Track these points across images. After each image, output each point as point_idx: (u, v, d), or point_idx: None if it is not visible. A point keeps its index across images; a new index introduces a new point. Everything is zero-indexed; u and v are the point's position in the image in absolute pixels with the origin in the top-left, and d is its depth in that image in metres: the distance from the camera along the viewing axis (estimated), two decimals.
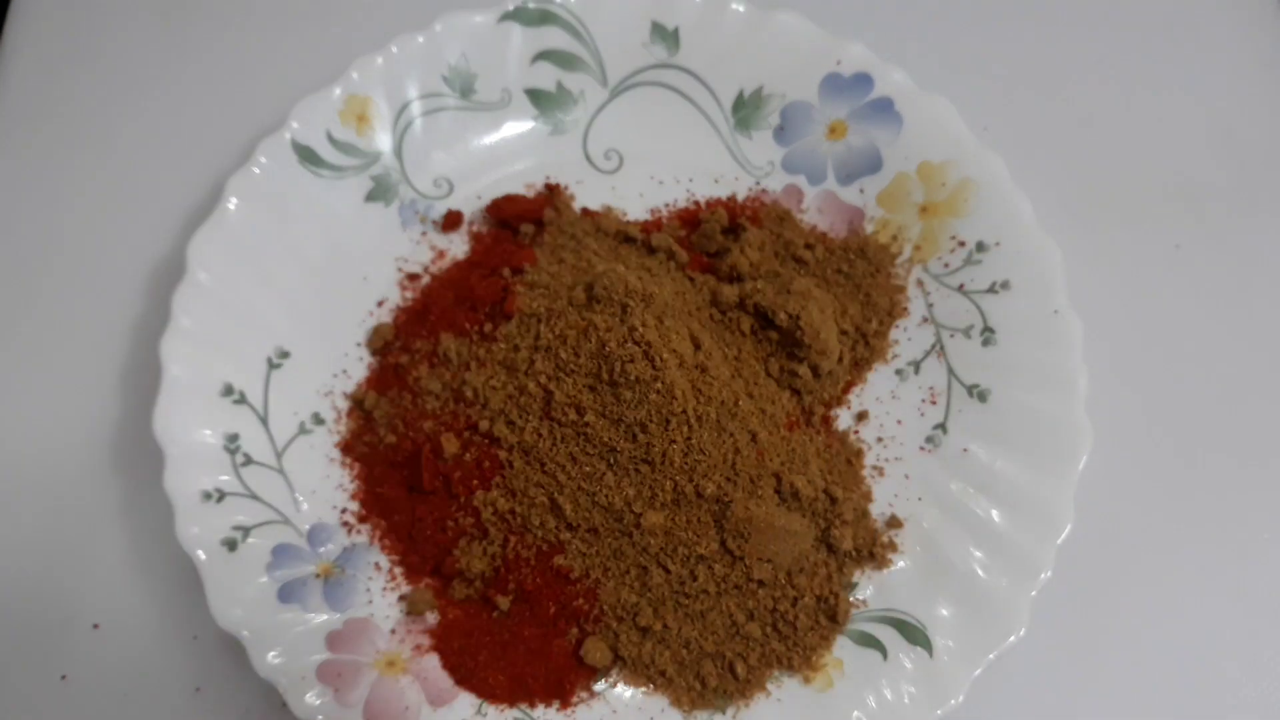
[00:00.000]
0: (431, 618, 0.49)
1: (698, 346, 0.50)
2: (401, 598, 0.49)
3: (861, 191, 0.57)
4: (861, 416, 0.53)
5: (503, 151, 0.59)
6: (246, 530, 0.48)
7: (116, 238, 0.59)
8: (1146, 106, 0.64)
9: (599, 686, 0.48)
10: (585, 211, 0.58)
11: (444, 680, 0.47)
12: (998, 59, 0.65)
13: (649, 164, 0.59)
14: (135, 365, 0.55)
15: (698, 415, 0.47)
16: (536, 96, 0.59)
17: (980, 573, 0.48)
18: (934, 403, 0.53)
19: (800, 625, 0.48)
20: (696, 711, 0.47)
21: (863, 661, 0.47)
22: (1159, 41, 0.66)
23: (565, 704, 0.47)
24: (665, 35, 0.59)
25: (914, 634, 0.47)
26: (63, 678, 0.49)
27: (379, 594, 0.49)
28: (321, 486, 0.51)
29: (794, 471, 0.49)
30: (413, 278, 0.56)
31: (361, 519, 0.51)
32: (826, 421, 0.53)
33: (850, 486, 0.51)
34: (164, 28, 0.66)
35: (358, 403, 0.53)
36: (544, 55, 0.59)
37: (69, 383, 0.55)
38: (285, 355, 0.53)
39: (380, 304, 0.55)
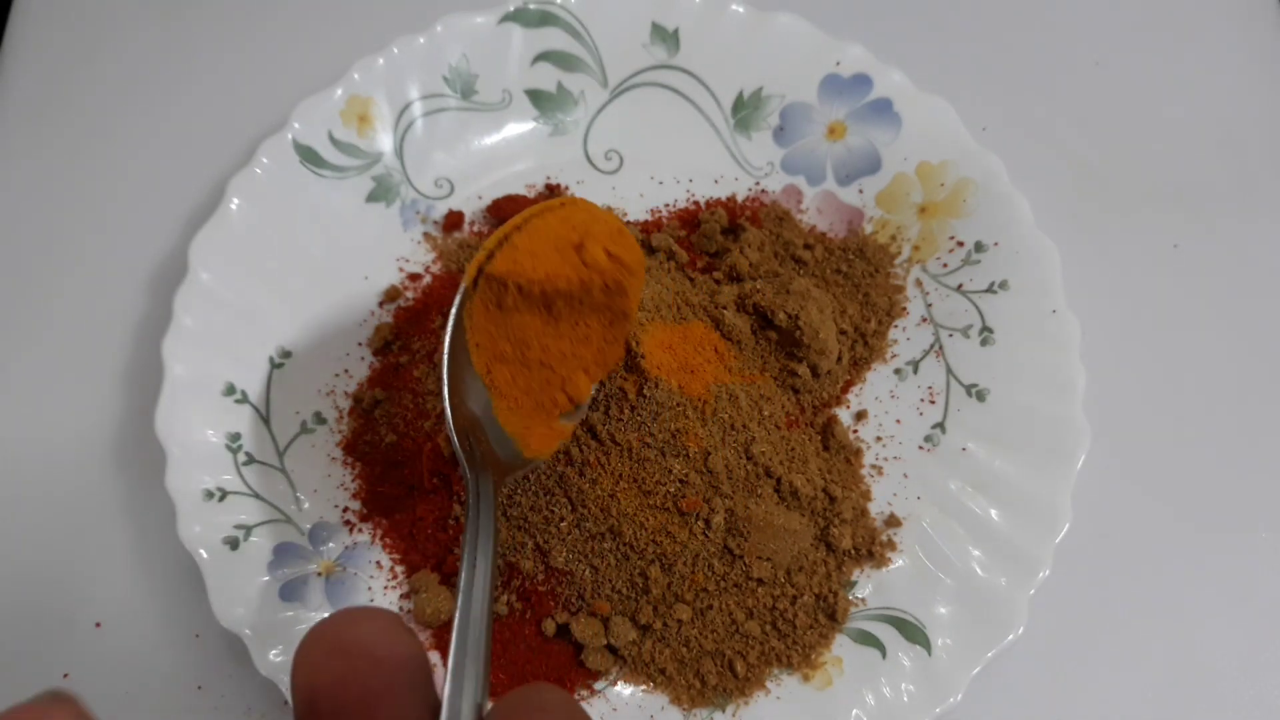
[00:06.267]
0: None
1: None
2: (404, 596, 0.49)
3: (860, 192, 0.58)
4: (860, 416, 0.53)
5: (503, 152, 0.60)
6: (248, 529, 0.48)
7: (118, 238, 0.59)
8: (1146, 106, 0.64)
9: (599, 685, 0.48)
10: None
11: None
12: (997, 59, 0.65)
13: (649, 164, 0.60)
14: (137, 365, 0.56)
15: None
16: (537, 97, 0.60)
17: (979, 571, 0.48)
18: (933, 402, 0.53)
19: (799, 623, 0.48)
20: (696, 709, 0.47)
21: (862, 660, 0.47)
22: (1158, 41, 0.66)
23: None
24: (665, 36, 0.59)
25: (913, 632, 0.48)
26: (64, 676, 0.49)
27: (380, 592, 0.49)
28: (323, 485, 0.51)
29: (793, 470, 0.49)
30: (414, 277, 0.57)
31: (363, 518, 0.51)
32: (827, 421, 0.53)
33: (849, 485, 0.51)
34: (166, 28, 0.66)
35: (359, 402, 0.53)
36: (544, 56, 0.59)
37: (71, 382, 0.55)
38: (287, 355, 0.53)
39: (381, 304, 0.56)
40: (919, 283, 0.56)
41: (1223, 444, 0.55)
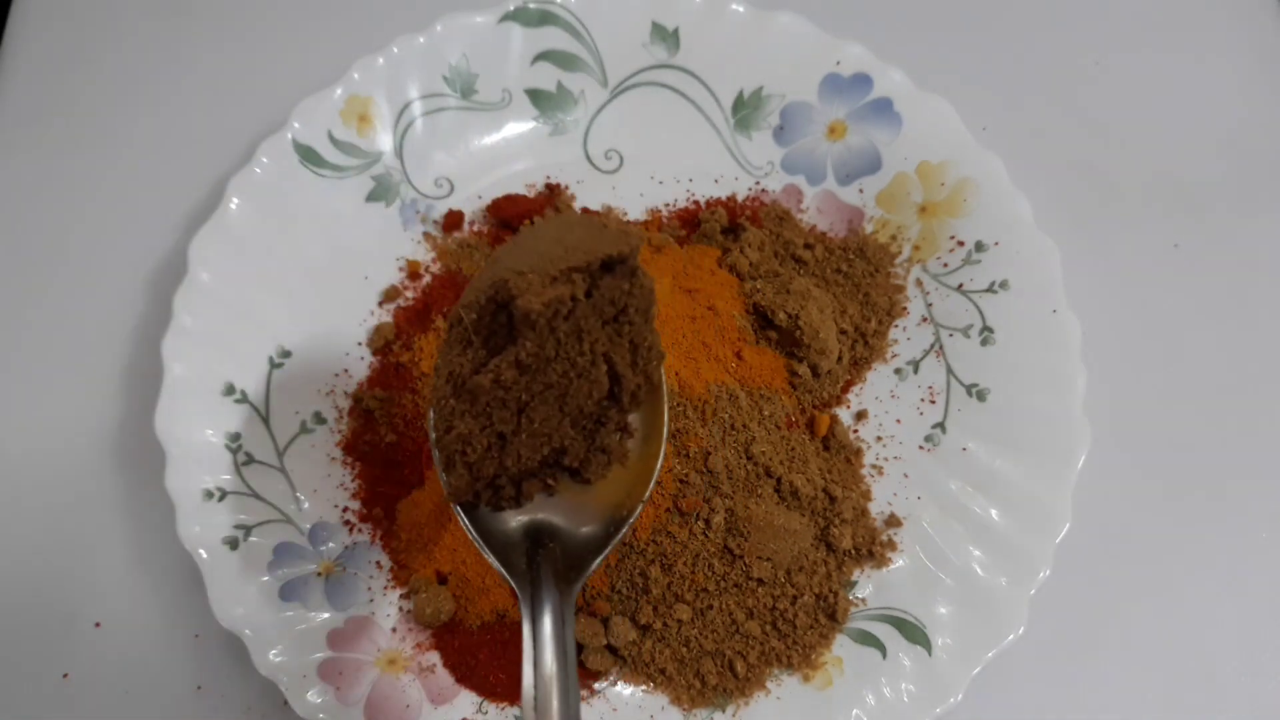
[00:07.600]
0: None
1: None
2: (404, 596, 0.49)
3: (861, 191, 0.58)
4: (861, 416, 0.53)
5: (503, 151, 0.60)
6: (248, 529, 0.48)
7: (118, 238, 0.59)
8: (1146, 106, 0.64)
9: (599, 685, 0.48)
10: (585, 211, 0.58)
11: (445, 678, 0.47)
12: (997, 59, 0.65)
13: (649, 164, 0.60)
14: (137, 365, 0.56)
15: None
16: (537, 97, 0.60)
17: (979, 571, 0.48)
18: (933, 402, 0.53)
19: (800, 623, 0.48)
20: (696, 709, 0.47)
21: (862, 660, 0.47)
22: (1159, 41, 0.66)
23: None
24: (665, 36, 0.59)
25: (913, 632, 0.48)
26: (64, 676, 0.49)
27: (380, 592, 0.49)
28: (323, 485, 0.51)
29: (793, 470, 0.49)
30: (414, 277, 0.56)
31: (363, 518, 0.51)
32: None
33: (849, 485, 0.51)
34: (165, 28, 0.66)
35: (359, 402, 0.53)
36: (544, 56, 0.59)
37: (71, 382, 0.55)
38: (287, 354, 0.53)
39: (381, 304, 0.56)
40: (919, 282, 0.56)
41: (1223, 444, 0.55)
